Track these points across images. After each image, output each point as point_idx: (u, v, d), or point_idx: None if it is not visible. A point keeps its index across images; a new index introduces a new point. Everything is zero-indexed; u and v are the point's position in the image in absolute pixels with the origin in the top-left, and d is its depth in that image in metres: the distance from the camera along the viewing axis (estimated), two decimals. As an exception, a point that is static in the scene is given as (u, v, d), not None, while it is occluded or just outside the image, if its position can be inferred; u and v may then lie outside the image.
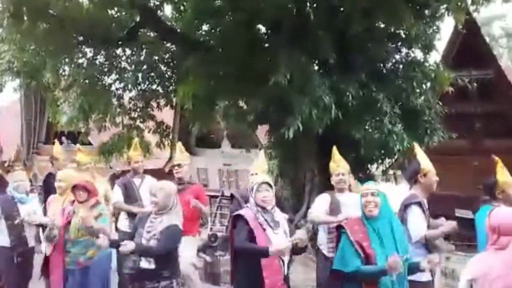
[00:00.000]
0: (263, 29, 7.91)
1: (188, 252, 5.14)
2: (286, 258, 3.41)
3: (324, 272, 4.31)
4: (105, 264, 4.34)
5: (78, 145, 6.63)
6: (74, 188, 4.29)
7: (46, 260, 4.46)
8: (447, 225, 3.78)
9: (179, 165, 5.29)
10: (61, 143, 7.65)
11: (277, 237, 3.40)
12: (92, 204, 4.28)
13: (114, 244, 3.72)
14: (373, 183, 3.46)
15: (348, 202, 4.35)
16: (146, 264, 3.59)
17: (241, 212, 3.59)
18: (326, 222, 4.38)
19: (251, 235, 3.38)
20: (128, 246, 3.41)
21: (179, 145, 5.56)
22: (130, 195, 5.46)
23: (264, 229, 3.41)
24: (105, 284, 4.25)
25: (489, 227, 2.82)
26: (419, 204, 3.80)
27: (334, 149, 4.68)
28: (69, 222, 4.25)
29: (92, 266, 4.19)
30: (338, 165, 4.56)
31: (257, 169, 4.82)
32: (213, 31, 8.23)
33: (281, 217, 3.57)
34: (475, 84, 9.53)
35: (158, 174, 7.06)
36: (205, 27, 8.50)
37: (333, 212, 4.39)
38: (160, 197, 3.66)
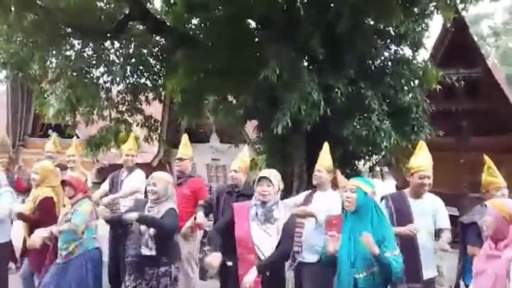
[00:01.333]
0: (252, 24, 7.89)
1: (186, 245, 5.12)
2: (266, 253, 3.41)
3: None
4: (83, 260, 4.27)
5: (74, 138, 6.54)
6: (62, 184, 4.37)
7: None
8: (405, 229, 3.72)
9: (180, 159, 5.32)
10: (47, 136, 7.56)
11: (260, 233, 3.45)
12: (77, 199, 4.29)
13: (116, 223, 3.98)
14: (357, 180, 3.46)
15: (320, 201, 4.36)
16: (147, 251, 3.74)
17: (239, 203, 3.77)
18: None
19: (231, 224, 3.50)
20: (132, 215, 3.63)
21: (185, 138, 5.58)
22: (114, 188, 5.50)
23: (250, 221, 3.47)
24: (84, 280, 4.20)
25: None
26: (385, 199, 3.91)
27: (325, 145, 4.68)
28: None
29: (71, 262, 4.19)
30: (319, 161, 4.57)
31: (236, 166, 4.88)
32: (202, 25, 8.19)
33: (280, 215, 3.56)
34: (462, 82, 9.60)
35: (146, 168, 7.03)
36: (194, 21, 8.46)
37: (304, 205, 4.44)
38: (160, 186, 3.84)
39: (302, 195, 4.67)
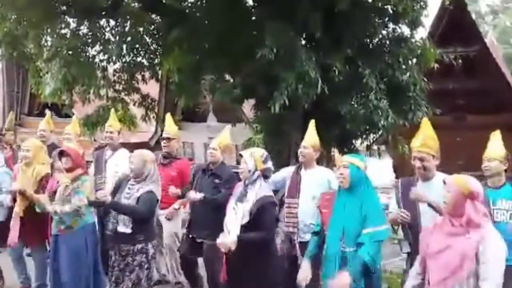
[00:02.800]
0: (250, 1, 7.81)
1: (170, 224, 5.22)
2: (231, 232, 3.43)
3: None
4: (83, 235, 4.33)
5: (75, 116, 6.46)
6: (60, 154, 4.31)
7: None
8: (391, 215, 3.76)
9: (168, 139, 5.28)
10: (44, 115, 7.52)
11: (231, 211, 3.53)
12: (76, 175, 4.28)
13: (94, 204, 4.00)
14: (348, 156, 3.49)
15: (309, 179, 4.37)
16: (123, 228, 3.80)
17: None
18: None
19: None
20: (105, 198, 3.65)
21: (169, 118, 5.50)
22: (97, 167, 5.43)
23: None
24: (82, 253, 4.26)
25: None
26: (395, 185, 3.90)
27: (311, 122, 4.65)
28: (55, 192, 4.27)
29: (70, 235, 4.23)
30: (305, 139, 4.54)
31: (215, 144, 4.92)
32: (199, 3, 8.10)
33: (253, 194, 3.52)
34: (460, 60, 9.58)
35: (143, 147, 7.02)
36: (191, -1, 8.37)
37: (291, 186, 4.43)
38: (135, 162, 3.80)
39: (288, 172, 4.62)
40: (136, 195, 3.77)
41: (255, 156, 3.58)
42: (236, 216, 3.46)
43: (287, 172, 4.66)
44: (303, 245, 4.22)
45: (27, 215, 4.56)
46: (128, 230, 3.76)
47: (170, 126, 5.38)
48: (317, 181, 4.32)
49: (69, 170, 4.25)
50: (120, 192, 3.91)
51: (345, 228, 3.25)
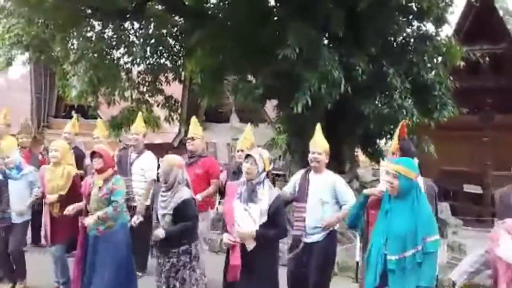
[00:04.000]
0: (271, 1, 7.81)
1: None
2: (248, 244, 3.45)
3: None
4: (121, 234, 4.41)
5: (99, 120, 6.53)
6: (92, 155, 4.36)
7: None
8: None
9: (192, 138, 5.30)
10: (71, 116, 7.65)
11: (242, 211, 3.51)
12: (108, 175, 4.34)
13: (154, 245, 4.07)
14: (399, 164, 3.22)
15: (317, 183, 4.31)
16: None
17: (232, 182, 3.89)
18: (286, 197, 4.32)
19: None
20: (159, 234, 3.73)
21: (193, 118, 5.54)
22: (120, 168, 5.41)
23: (235, 200, 3.55)
24: (121, 250, 4.34)
25: None
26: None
27: (318, 126, 4.58)
28: (89, 194, 4.31)
29: (110, 234, 4.30)
30: (316, 144, 4.47)
31: (242, 146, 4.91)
32: (221, 4, 8.14)
33: (264, 195, 3.54)
34: (487, 58, 9.36)
35: (167, 148, 7.09)
36: (213, 0, 8.41)
37: (300, 190, 4.36)
38: (162, 167, 3.89)
39: (295, 177, 4.57)
40: (171, 205, 3.81)
41: (264, 158, 3.61)
42: (251, 216, 3.47)
43: (295, 178, 4.61)
44: (309, 245, 4.21)
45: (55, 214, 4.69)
46: None
47: (194, 126, 5.42)
48: (324, 186, 4.26)
49: (100, 170, 4.30)
50: (156, 202, 3.98)
51: (389, 235, 3.12)
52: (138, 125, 5.66)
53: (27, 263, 5.00)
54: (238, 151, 4.97)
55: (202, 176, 5.10)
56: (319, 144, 4.36)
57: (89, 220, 4.21)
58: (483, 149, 10.99)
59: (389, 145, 3.75)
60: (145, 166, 5.44)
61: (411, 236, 3.05)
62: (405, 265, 3.04)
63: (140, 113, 6.19)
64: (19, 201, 4.81)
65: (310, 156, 4.32)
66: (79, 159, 5.65)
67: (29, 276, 4.99)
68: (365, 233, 3.46)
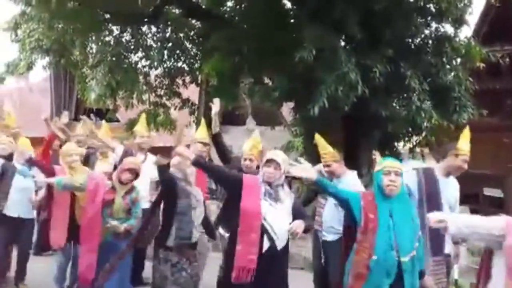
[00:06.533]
0: (288, 4, 7.80)
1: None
2: (277, 239, 3.40)
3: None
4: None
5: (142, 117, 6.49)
6: (127, 170, 4.32)
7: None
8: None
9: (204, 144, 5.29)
10: (90, 120, 7.70)
11: (274, 211, 3.46)
12: (129, 189, 4.36)
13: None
14: (395, 161, 3.34)
15: (336, 183, 4.31)
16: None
17: (246, 175, 3.74)
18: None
19: (238, 186, 3.51)
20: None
21: (201, 122, 5.54)
22: None
23: (260, 198, 3.47)
24: (126, 260, 4.37)
25: None
26: (416, 171, 4.05)
27: (317, 136, 4.54)
28: (113, 200, 4.28)
29: (130, 233, 4.37)
30: (325, 154, 4.43)
31: (249, 154, 4.69)
32: (237, 7, 8.16)
33: (287, 196, 3.59)
34: (507, 59, 9.21)
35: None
36: (229, 3, 8.45)
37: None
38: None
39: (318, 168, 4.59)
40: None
41: (285, 160, 3.61)
42: (284, 218, 3.46)
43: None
44: (326, 243, 4.45)
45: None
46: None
47: (201, 131, 5.31)
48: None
49: (127, 183, 4.32)
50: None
51: (398, 237, 3.10)
52: (144, 127, 5.74)
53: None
54: (245, 159, 4.71)
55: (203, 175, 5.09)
56: (328, 154, 4.40)
57: (121, 228, 4.24)
58: (503, 152, 10.81)
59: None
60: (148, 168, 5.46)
61: (415, 232, 3.19)
62: (414, 260, 3.14)
63: (143, 115, 6.24)
64: (21, 196, 4.92)
65: (324, 168, 4.43)
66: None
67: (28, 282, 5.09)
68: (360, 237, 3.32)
